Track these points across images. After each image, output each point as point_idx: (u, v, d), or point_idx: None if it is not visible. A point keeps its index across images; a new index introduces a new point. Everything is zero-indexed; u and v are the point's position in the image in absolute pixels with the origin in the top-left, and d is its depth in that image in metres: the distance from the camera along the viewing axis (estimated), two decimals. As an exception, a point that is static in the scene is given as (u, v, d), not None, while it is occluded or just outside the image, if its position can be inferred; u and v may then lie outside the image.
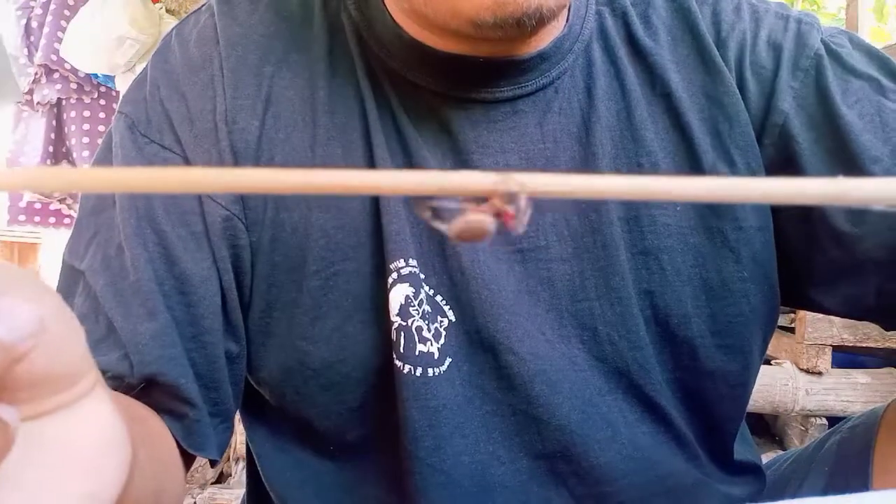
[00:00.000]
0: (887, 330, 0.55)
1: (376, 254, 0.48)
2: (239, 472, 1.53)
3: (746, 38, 0.53)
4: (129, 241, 0.46)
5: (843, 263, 0.51)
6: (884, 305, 0.51)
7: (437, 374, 0.48)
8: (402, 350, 0.47)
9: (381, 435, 0.51)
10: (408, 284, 0.48)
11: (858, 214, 0.49)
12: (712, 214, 0.51)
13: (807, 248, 0.52)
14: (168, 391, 0.45)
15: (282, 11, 0.52)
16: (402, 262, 0.48)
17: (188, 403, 0.45)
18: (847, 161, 0.49)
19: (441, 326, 0.49)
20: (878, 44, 1.79)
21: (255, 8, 0.52)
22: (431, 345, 0.48)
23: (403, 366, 0.48)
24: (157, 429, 0.44)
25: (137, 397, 0.45)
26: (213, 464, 0.50)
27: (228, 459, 1.58)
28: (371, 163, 0.49)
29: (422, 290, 0.48)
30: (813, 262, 0.52)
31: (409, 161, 0.49)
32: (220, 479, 1.56)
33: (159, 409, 0.45)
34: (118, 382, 0.44)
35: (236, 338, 0.50)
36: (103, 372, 0.43)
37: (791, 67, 0.52)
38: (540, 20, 0.43)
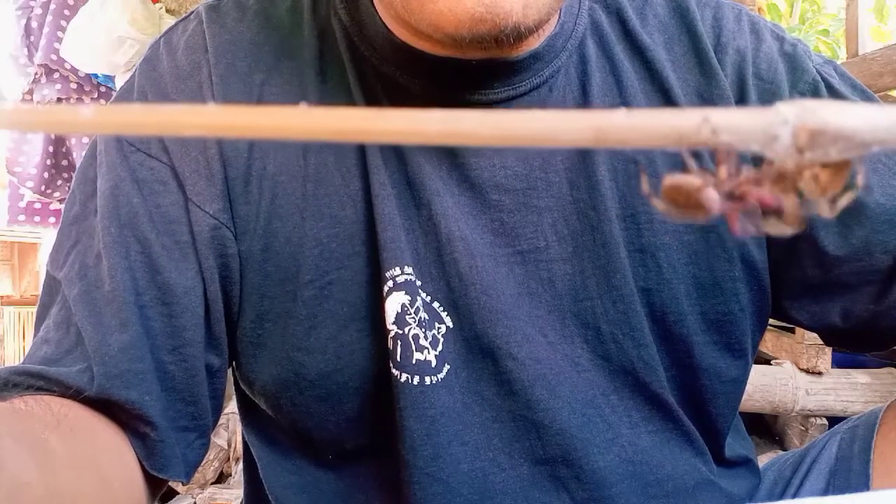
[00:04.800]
0: (858, 353, 0.56)
1: (371, 262, 0.48)
2: (239, 472, 1.53)
3: (748, 47, 0.53)
4: (108, 250, 0.46)
5: (815, 281, 0.52)
6: (850, 328, 0.53)
7: (434, 381, 0.48)
8: (398, 359, 0.47)
9: (380, 444, 0.51)
10: (403, 292, 0.47)
11: (843, 239, 0.50)
12: None
13: (786, 261, 0.53)
14: (127, 409, 0.44)
15: (271, 18, 0.52)
16: (397, 270, 0.47)
17: (148, 423, 0.44)
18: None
19: (439, 333, 0.48)
20: (877, 44, 1.79)
21: (243, 15, 0.52)
22: (429, 353, 0.48)
23: (400, 374, 0.47)
24: (105, 445, 0.43)
25: (103, 411, 0.44)
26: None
27: (228, 459, 1.58)
28: (364, 169, 0.48)
29: (418, 298, 0.48)
30: (788, 275, 0.53)
31: (403, 167, 0.49)
32: (220, 479, 1.56)
33: (124, 426, 0.45)
34: (77, 395, 0.43)
35: (218, 351, 0.49)
36: (64, 385, 0.42)
37: (789, 89, 0.52)
38: (518, 37, 0.43)
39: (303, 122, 0.18)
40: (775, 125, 0.17)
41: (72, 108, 0.18)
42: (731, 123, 0.17)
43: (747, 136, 0.17)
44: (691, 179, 0.18)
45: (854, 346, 0.56)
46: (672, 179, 0.18)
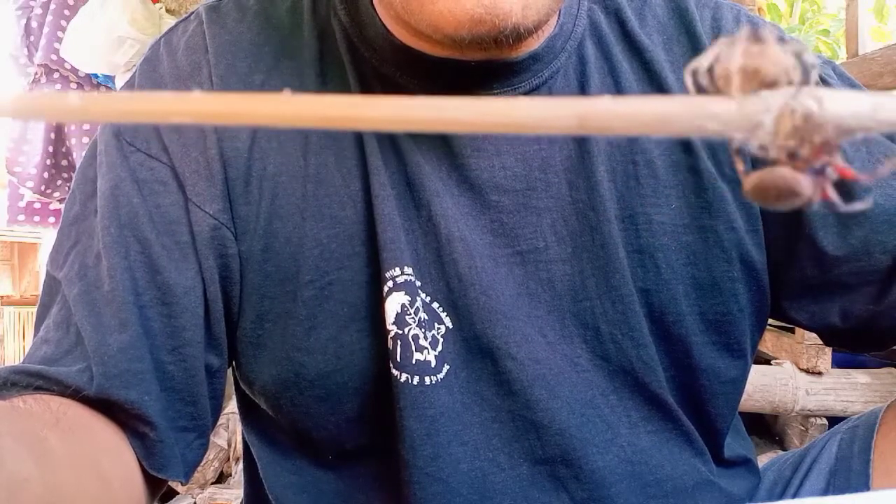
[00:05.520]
0: (857, 353, 0.57)
1: (371, 262, 0.48)
2: (239, 472, 1.53)
3: None
4: (107, 250, 0.46)
5: (814, 281, 0.52)
6: (850, 329, 0.53)
7: (434, 382, 0.48)
8: (398, 359, 0.47)
9: (380, 444, 0.51)
10: (403, 293, 0.47)
11: (842, 239, 0.50)
12: (706, 213, 0.51)
13: (785, 261, 0.53)
14: (126, 409, 0.44)
15: (271, 18, 0.52)
16: (397, 271, 0.47)
17: (147, 423, 0.44)
18: (838, 185, 0.50)
19: (438, 333, 0.48)
20: (877, 44, 1.79)
21: (243, 16, 0.52)
22: (428, 353, 0.48)
23: (400, 374, 0.47)
24: (104, 444, 0.43)
25: (102, 411, 0.44)
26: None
27: (228, 459, 1.58)
28: (364, 170, 0.48)
29: (418, 298, 0.48)
30: (787, 275, 0.53)
31: (402, 168, 0.49)
32: (220, 478, 1.56)
33: (123, 426, 0.45)
34: (76, 395, 0.43)
35: (218, 351, 0.49)
36: (63, 385, 0.42)
37: None
38: (517, 38, 0.43)
39: (290, 108, 0.18)
40: (758, 113, 0.17)
41: (60, 95, 0.18)
42: (715, 110, 0.17)
43: (731, 124, 0.17)
44: (776, 172, 0.17)
45: (853, 346, 0.56)
46: (756, 178, 0.18)
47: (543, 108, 0.17)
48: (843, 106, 0.17)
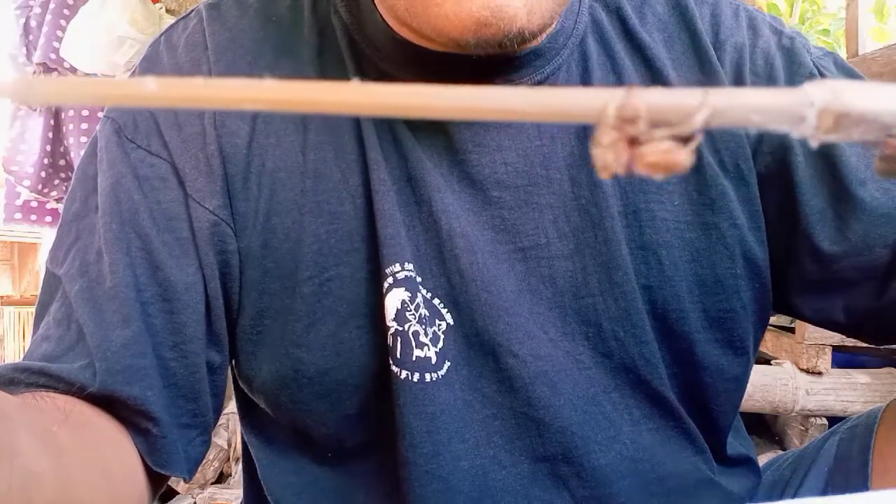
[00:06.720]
0: (866, 341, 0.56)
1: (371, 259, 0.48)
2: (239, 472, 1.53)
3: (745, 44, 0.53)
4: (109, 246, 0.46)
5: (815, 278, 0.52)
6: (854, 324, 0.53)
7: (435, 378, 0.47)
8: (398, 355, 0.47)
9: (380, 441, 0.51)
10: (404, 289, 0.47)
11: (841, 234, 0.50)
12: (708, 210, 0.51)
13: (785, 259, 0.53)
14: (130, 405, 0.44)
15: (271, 16, 0.52)
16: (397, 267, 0.47)
17: (150, 419, 0.44)
18: (835, 181, 0.50)
19: (439, 330, 0.48)
20: (877, 44, 1.79)
21: (243, 13, 0.52)
22: (429, 349, 0.47)
23: (400, 371, 0.47)
24: (108, 441, 0.43)
25: (105, 407, 0.44)
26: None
27: (228, 459, 1.58)
28: (364, 165, 0.48)
29: (419, 294, 0.48)
30: (788, 272, 0.53)
31: (403, 163, 0.49)
32: (221, 478, 1.56)
33: (125, 423, 0.45)
34: (80, 392, 0.43)
35: (219, 347, 0.49)
36: (66, 382, 0.42)
37: (786, 84, 0.52)
38: (522, 41, 0.43)
39: (360, 97, 0.18)
40: (802, 106, 0.17)
41: (136, 81, 0.19)
42: (760, 104, 0.17)
43: (775, 117, 0.17)
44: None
45: (859, 339, 0.56)
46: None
47: (575, 95, 0.18)
48: (883, 103, 0.17)
